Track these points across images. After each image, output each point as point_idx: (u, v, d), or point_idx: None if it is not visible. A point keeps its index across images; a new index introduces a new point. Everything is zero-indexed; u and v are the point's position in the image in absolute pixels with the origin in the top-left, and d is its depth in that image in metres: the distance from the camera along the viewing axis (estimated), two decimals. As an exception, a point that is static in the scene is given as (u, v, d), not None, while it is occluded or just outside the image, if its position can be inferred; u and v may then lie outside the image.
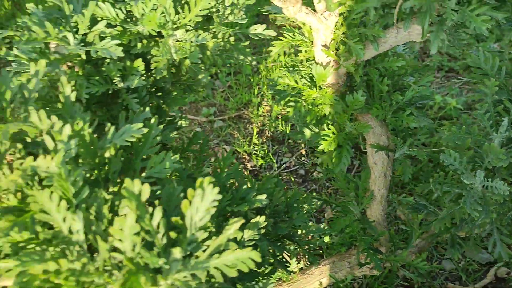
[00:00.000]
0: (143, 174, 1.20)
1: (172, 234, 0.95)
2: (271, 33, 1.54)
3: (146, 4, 1.38)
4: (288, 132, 3.15)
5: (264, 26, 1.54)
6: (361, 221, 1.85)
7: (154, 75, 1.44)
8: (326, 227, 1.82)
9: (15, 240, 1.00)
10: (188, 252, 0.94)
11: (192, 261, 0.92)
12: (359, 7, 1.46)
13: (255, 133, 3.12)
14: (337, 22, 1.57)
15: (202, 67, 1.48)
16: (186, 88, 1.53)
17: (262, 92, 3.36)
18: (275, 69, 3.43)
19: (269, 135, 3.19)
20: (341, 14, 1.57)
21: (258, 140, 3.12)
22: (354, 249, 2.04)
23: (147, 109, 1.28)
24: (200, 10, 1.37)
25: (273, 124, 3.21)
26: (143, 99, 1.39)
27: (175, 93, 1.49)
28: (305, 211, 1.58)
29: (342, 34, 1.60)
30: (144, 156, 1.22)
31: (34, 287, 0.90)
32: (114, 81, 1.37)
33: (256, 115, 3.25)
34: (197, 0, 1.36)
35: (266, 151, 3.06)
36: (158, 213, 0.92)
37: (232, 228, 1.00)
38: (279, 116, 3.27)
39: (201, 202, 0.94)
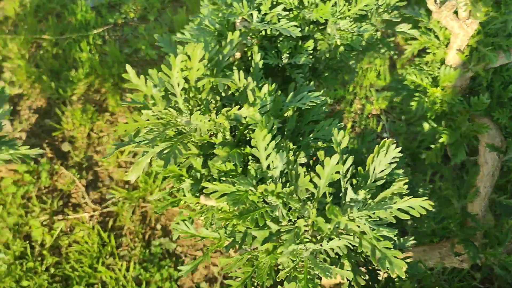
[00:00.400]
0: (311, 136, 1.43)
1: (354, 181, 1.18)
2: (415, 32, 1.74)
3: (317, -6, 1.61)
4: (379, 130, 3.32)
5: (409, 25, 1.74)
6: (461, 214, 2.02)
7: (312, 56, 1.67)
8: (436, 212, 2.00)
9: (222, 168, 1.25)
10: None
11: (372, 203, 1.14)
12: (503, 18, 1.63)
13: (349, 127, 3.32)
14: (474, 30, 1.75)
15: (353, 54, 1.70)
16: (334, 72, 1.76)
17: (355, 91, 3.56)
18: (370, 71, 3.61)
19: (358, 131, 3.38)
20: (480, 23, 1.74)
21: (349, 135, 3.31)
22: (446, 241, 2.20)
23: (311, 83, 1.51)
24: (365, 6, 1.59)
25: (363, 122, 3.39)
26: (305, 75, 1.62)
27: (326, 74, 1.72)
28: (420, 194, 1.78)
29: (477, 41, 1.78)
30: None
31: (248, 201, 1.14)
32: (282, 56, 1.61)
33: (348, 111, 3.45)
34: (364, -4, 1.58)
35: (356, 146, 3.24)
36: (350, 160, 1.14)
37: (397, 185, 1.21)
38: (370, 115, 3.45)
39: (384, 158, 1.15)
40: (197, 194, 1.31)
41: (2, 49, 3.72)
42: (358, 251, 1.26)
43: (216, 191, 1.22)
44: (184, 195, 1.31)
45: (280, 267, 1.27)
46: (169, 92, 1.34)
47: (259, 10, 1.60)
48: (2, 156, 1.49)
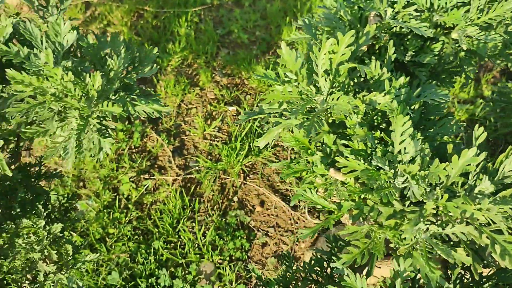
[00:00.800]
0: (431, 130, 1.53)
1: (481, 176, 1.27)
2: (537, 48, 1.79)
3: (450, 0, 1.69)
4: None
5: (532, 40, 1.79)
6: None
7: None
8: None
9: (354, 146, 1.37)
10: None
11: (498, 198, 1.23)
12: None
13: (429, 133, 3.37)
14: None
15: (473, 61, 1.77)
16: (450, 74, 1.84)
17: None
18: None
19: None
20: None
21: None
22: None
23: (434, 82, 1.60)
24: (495, 15, 1.66)
25: (443, 131, 3.43)
26: (427, 73, 1.71)
27: (443, 76, 1.80)
28: None
29: None
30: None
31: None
32: (407, 54, 1.70)
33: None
34: (497, 7, 1.65)
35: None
36: (483, 155, 1.24)
37: (518, 186, 1.30)
38: (450, 125, 3.48)
39: None
40: (326, 167, 1.44)
41: (108, 15, 3.98)
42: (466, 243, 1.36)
43: (347, 167, 1.34)
44: (314, 166, 1.44)
45: (391, 245, 1.38)
46: (307, 72, 1.47)
47: (393, 8, 1.70)
48: (147, 109, 1.67)
